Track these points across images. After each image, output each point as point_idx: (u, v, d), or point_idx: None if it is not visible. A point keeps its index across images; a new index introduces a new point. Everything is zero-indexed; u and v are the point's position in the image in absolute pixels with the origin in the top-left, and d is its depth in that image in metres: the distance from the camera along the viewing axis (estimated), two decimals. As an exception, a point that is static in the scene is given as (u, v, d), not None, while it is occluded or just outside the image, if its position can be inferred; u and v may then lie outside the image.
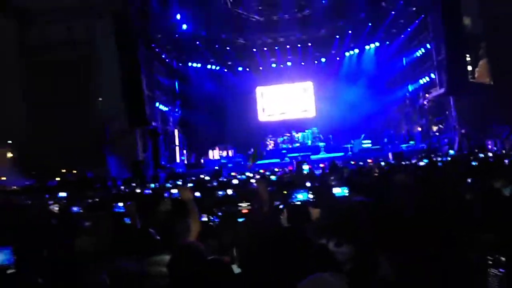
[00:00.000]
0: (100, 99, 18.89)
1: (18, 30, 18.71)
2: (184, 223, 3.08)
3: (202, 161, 20.09)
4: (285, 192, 3.12)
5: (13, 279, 1.82)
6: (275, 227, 2.38)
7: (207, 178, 12.58)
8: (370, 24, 20.05)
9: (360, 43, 21.14)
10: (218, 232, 2.87)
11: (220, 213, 3.31)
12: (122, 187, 12.40)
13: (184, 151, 21.63)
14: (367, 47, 21.30)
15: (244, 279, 1.83)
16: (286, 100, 23.04)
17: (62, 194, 9.12)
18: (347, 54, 21.91)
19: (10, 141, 19.48)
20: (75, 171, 18.44)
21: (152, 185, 11.94)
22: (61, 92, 18.04)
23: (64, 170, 18.51)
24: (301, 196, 2.85)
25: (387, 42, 20.72)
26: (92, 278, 2.63)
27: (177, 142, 21.17)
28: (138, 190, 9.94)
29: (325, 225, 2.19)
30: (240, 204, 2.96)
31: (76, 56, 18.50)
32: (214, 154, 20.39)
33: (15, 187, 15.64)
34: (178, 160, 20.69)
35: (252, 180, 7.12)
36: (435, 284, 1.64)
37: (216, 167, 16.92)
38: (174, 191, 3.64)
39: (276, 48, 22.10)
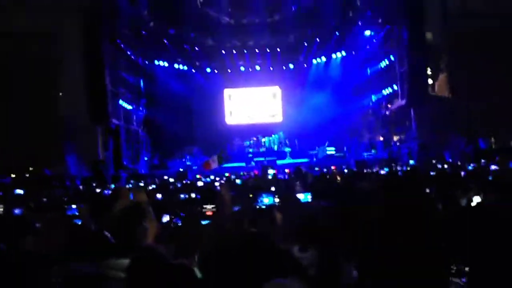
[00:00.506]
0: (61, 94, 18.14)
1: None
2: (141, 226, 2.97)
3: (166, 162, 19.70)
4: (251, 195, 3.07)
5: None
6: (239, 231, 2.32)
7: (171, 180, 12.36)
8: (337, 33, 20.51)
9: (327, 51, 21.55)
10: (179, 234, 2.77)
11: (182, 214, 3.21)
12: (81, 187, 11.93)
13: (148, 152, 21.11)
14: (334, 55, 21.75)
15: (206, 284, 1.76)
16: (254, 104, 23.10)
17: (19, 191, 8.73)
18: (314, 61, 22.27)
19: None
20: (31, 168, 17.58)
21: (113, 186, 11.58)
22: (20, 85, 17.16)
23: (19, 167, 17.58)
24: (267, 200, 2.81)
25: (353, 52, 21.25)
26: (43, 281, 2.47)
27: (139, 142, 20.65)
28: (98, 190, 9.62)
29: (289, 230, 2.16)
30: (205, 206, 2.83)
31: (38, 49, 17.68)
32: (180, 155, 20.07)
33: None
34: (139, 160, 20.20)
35: (217, 183, 7.03)
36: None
37: (181, 169, 16.66)
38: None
39: (245, 51, 22.10)
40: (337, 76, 21.66)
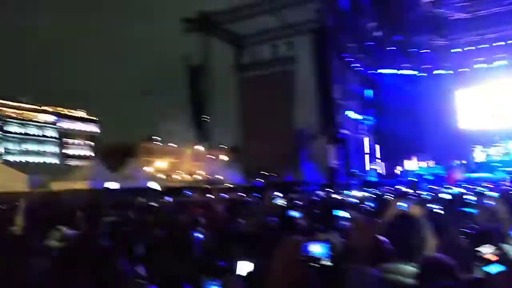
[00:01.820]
0: (297, 108, 20.54)
1: (233, 51, 22.14)
2: (418, 236, 3.14)
3: (397, 171, 19.43)
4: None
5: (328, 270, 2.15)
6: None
7: (403, 189, 12.14)
8: None
9: None
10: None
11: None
12: (321, 193, 13.09)
13: (377, 160, 21.35)
14: None
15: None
16: (496, 104, 20.08)
17: (277, 194, 10.10)
18: None
19: (225, 146, 23.27)
20: (274, 174, 20.45)
21: (346, 192, 12.17)
22: (267, 103, 20.38)
23: (265, 173, 20.74)
24: None
25: None
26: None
27: (367, 150, 21.13)
28: (337, 197, 10.36)
29: None
30: (479, 249, 2.15)
31: (280, 71, 20.65)
32: (410, 164, 19.43)
33: (230, 185, 18.48)
34: (367, 169, 20.65)
35: (469, 197, 6.50)
36: None
37: (413, 179, 16.10)
38: (401, 203, 3.71)
39: (482, 46, 19.60)
40: None
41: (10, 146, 47.40)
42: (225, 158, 23.67)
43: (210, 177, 21.65)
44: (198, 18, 20.98)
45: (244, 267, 2.43)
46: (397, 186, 13.67)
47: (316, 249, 2.14)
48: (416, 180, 15.45)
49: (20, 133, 48.73)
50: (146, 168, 34.05)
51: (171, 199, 11.32)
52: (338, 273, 2.11)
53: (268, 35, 21.18)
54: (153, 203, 9.73)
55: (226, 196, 11.79)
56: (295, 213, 4.87)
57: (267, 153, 19.83)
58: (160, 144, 55.30)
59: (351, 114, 20.21)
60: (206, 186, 18.26)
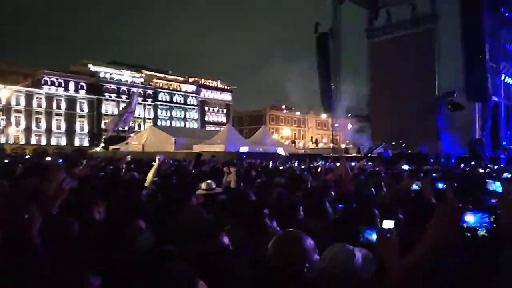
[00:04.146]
0: (437, 73, 18.56)
1: (366, 15, 20.92)
2: None
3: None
4: None
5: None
6: None
7: None
8: None
9: None
10: None
11: None
12: (462, 166, 11.83)
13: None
14: None
15: None
16: None
17: (405, 167, 9.49)
18: None
19: (353, 114, 22.48)
20: (406, 144, 19.04)
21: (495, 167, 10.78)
22: (401, 68, 18.89)
23: (396, 143, 19.45)
24: None
25: None
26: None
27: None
28: (481, 171, 9.26)
29: None
30: None
31: (419, 32, 18.79)
32: None
33: (357, 154, 18.00)
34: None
35: None
36: None
37: None
38: None
39: None
40: None
41: (160, 112, 54.37)
42: (353, 126, 22.96)
43: (336, 145, 21.38)
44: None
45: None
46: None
47: (474, 219, 1.97)
48: None
49: (168, 101, 55.34)
50: (273, 135, 35.41)
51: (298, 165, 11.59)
52: (494, 248, 1.92)
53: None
54: (282, 167, 10.14)
55: (353, 164, 11.57)
56: (442, 185, 4.40)
57: (400, 122, 18.53)
58: (287, 111, 56.70)
59: (506, 79, 17.44)
60: (333, 154, 18.13)
